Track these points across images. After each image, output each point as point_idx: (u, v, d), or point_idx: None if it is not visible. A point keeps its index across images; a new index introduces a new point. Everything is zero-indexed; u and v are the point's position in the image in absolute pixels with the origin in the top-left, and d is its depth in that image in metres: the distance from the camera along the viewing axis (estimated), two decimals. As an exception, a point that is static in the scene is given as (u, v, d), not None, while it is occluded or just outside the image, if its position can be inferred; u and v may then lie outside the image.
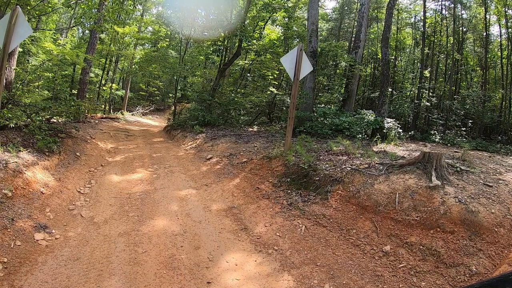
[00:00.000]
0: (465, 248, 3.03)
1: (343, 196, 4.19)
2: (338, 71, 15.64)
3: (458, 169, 4.17)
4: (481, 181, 3.90)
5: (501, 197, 3.47)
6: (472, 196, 3.50)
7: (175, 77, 18.00)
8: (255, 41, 12.78)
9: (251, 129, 11.15)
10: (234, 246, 3.60)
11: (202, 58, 17.98)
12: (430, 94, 12.78)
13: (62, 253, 3.15)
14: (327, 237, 3.67)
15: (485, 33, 13.93)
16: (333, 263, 3.27)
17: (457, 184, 3.78)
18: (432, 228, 3.31)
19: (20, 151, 4.66)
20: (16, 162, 4.20)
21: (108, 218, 4.06)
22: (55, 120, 7.80)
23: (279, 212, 4.27)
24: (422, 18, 14.41)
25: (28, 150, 4.83)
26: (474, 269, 2.83)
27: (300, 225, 3.92)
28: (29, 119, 6.01)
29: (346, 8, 18.78)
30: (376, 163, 4.63)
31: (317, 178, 4.64)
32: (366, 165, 4.63)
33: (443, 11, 14.70)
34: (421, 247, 3.19)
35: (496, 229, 3.08)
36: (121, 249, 3.32)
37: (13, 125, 5.41)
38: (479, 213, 3.23)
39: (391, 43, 13.27)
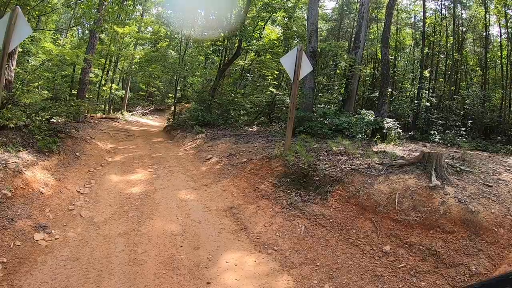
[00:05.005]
0: (465, 248, 3.02)
1: (342, 196, 4.19)
2: (338, 71, 15.64)
3: (458, 169, 4.17)
4: (481, 181, 3.90)
5: (501, 197, 3.47)
6: (472, 196, 3.50)
7: (175, 77, 18.00)
8: (255, 41, 12.77)
9: (251, 129, 11.14)
10: (234, 246, 3.60)
11: (202, 58, 17.97)
12: (430, 94, 12.78)
13: (62, 253, 3.15)
14: (326, 237, 3.67)
15: (485, 33, 13.95)
16: (332, 263, 3.26)
17: (457, 184, 3.78)
18: (432, 228, 3.31)
19: (19, 151, 4.66)
20: (15, 162, 4.20)
21: (108, 218, 4.06)
22: (55, 120, 7.80)
23: (278, 212, 4.27)
24: (422, 18, 14.42)
25: (27, 150, 4.83)
26: (474, 269, 2.83)
27: (300, 225, 3.92)
28: (29, 119, 6.01)
29: (345, 8, 18.76)
30: (376, 163, 4.63)
31: (317, 178, 4.64)
32: (366, 165, 4.63)
33: (443, 11, 14.72)
34: (421, 247, 3.19)
35: (496, 229, 3.08)
36: (120, 249, 3.32)
37: (13, 125, 5.41)
38: (479, 213, 3.23)
39: (391, 43, 13.27)
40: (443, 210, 3.38)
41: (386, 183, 4.02)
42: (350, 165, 4.76)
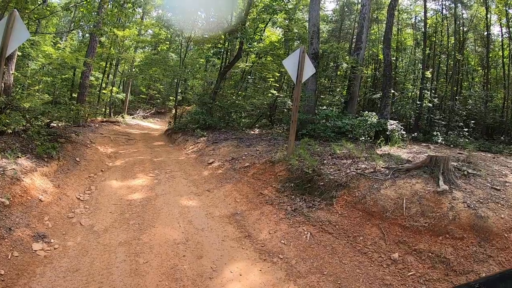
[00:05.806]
0: (475, 254, 2.94)
1: (348, 201, 4.10)
2: (339, 72, 15.57)
3: (465, 172, 4.08)
4: (489, 184, 3.81)
5: (510, 201, 3.39)
6: (481, 200, 3.42)
7: (175, 80, 17.92)
8: (255, 43, 12.71)
9: (252, 132, 11.07)
10: (238, 254, 3.51)
11: (203, 60, 17.92)
12: (432, 94, 12.70)
13: (61, 264, 3.06)
14: (333, 245, 3.57)
15: (486, 33, 13.86)
16: (340, 271, 3.17)
17: (465, 188, 3.69)
18: (441, 234, 3.22)
19: (18, 157, 4.58)
20: (14, 169, 4.11)
21: (108, 226, 3.97)
22: (54, 125, 7.72)
23: (283, 219, 4.18)
24: (423, 18, 14.35)
25: (26, 156, 4.75)
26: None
27: (305, 232, 3.83)
28: (28, 124, 5.93)
29: (346, 9, 18.73)
30: (382, 167, 4.54)
31: (322, 183, 4.55)
32: (372, 169, 4.54)
33: (444, 11, 14.66)
34: (430, 254, 3.11)
35: (506, 235, 3.00)
36: (121, 259, 3.23)
37: (11, 131, 5.33)
38: (489, 218, 3.15)
39: (392, 44, 13.19)
40: (452, 216, 3.29)
41: (393, 188, 3.93)
42: (356, 169, 4.67)
